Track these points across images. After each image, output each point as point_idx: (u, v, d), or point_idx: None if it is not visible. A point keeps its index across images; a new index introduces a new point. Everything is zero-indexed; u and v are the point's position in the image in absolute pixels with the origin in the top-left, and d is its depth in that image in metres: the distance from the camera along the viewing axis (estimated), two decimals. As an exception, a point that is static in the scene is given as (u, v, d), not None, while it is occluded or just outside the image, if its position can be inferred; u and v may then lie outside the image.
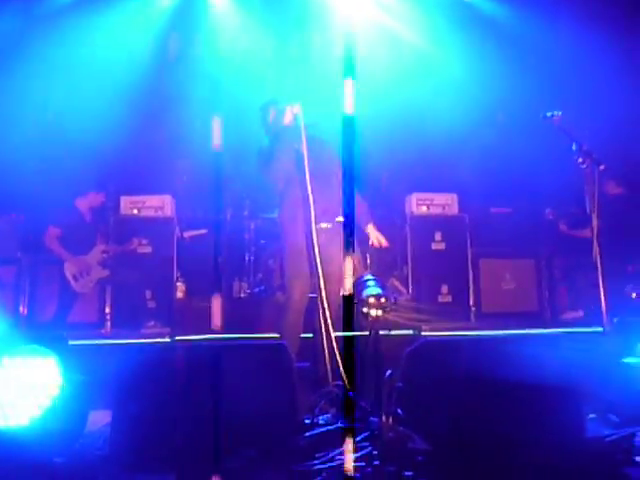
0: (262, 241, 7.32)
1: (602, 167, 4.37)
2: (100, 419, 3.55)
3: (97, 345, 3.89)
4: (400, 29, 6.70)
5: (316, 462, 3.18)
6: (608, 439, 3.39)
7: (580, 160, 4.41)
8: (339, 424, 3.39)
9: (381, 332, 3.56)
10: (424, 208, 6.81)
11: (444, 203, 6.78)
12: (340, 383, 3.79)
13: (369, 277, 3.59)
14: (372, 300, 3.38)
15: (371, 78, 5.76)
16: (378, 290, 3.44)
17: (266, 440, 3.23)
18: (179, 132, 6.81)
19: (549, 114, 4.58)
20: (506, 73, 6.30)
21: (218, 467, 3.06)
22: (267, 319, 6.01)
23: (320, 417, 3.63)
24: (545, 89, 6.02)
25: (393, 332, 3.88)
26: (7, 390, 3.07)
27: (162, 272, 6.54)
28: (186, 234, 6.97)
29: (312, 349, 4.26)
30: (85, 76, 6.50)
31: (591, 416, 3.75)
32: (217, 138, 5.26)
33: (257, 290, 7.26)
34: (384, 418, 3.27)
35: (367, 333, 3.58)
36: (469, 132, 6.46)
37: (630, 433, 3.44)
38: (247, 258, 7.32)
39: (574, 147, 4.49)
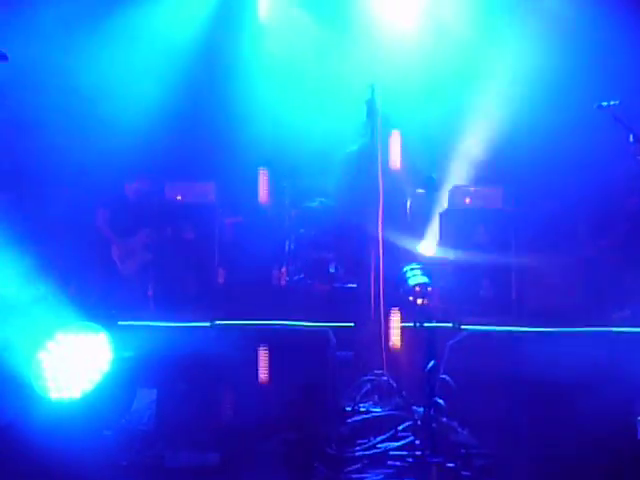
0: (301, 230, 7.35)
1: None
2: (147, 397, 3.62)
3: (144, 326, 3.98)
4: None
5: (357, 449, 3.19)
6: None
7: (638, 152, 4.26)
8: (379, 412, 3.39)
9: (426, 324, 3.53)
10: (467, 200, 6.71)
11: (487, 195, 6.67)
12: (382, 372, 3.78)
13: (415, 265, 3.57)
14: (418, 289, 3.36)
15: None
16: (425, 279, 3.41)
17: (306, 424, 3.24)
18: (224, 122, 6.87)
19: (605, 103, 4.43)
20: (558, 63, 6.13)
21: (258, 448, 3.08)
22: (305, 307, 6.04)
23: (361, 405, 3.63)
24: (601, 79, 5.83)
25: (435, 324, 3.85)
26: (60, 364, 3.16)
27: (204, 257, 6.62)
28: (227, 220, 7.04)
29: (356, 338, 4.27)
30: (141, 60, 6.59)
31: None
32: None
33: (296, 279, 7.29)
34: (427, 409, 3.25)
35: (411, 324, 3.56)
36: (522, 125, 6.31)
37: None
38: (287, 246, 7.36)
39: (631, 138, 4.33)
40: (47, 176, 6.25)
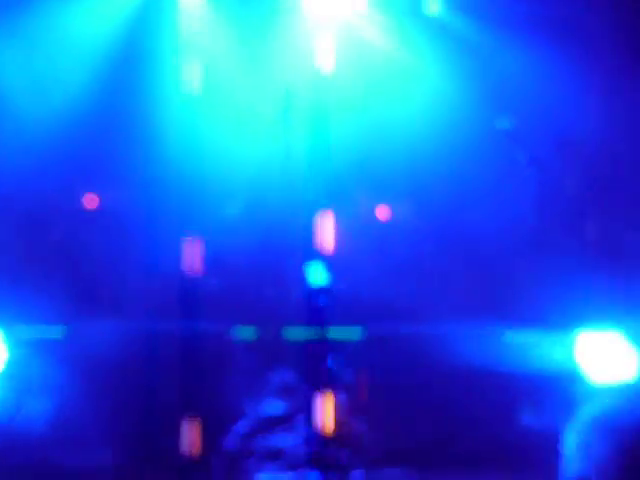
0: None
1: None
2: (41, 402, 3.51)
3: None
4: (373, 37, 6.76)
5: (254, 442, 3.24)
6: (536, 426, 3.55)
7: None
8: (276, 411, 3.45)
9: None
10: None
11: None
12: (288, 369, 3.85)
13: (315, 263, 3.66)
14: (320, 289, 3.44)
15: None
16: (325, 277, 3.50)
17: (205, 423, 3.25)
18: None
19: (501, 126, 4.71)
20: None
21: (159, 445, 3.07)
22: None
23: (264, 404, 3.68)
24: (498, 101, 6.18)
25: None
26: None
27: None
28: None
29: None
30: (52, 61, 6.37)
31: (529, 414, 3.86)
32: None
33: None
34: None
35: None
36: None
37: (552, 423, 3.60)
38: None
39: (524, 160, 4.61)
40: None
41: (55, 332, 3.73)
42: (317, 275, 3.65)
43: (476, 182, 6.12)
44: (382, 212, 6.13)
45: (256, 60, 6.93)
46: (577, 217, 5.90)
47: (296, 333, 4.23)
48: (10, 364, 3.26)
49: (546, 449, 3.32)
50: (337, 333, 4.00)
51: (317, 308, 3.76)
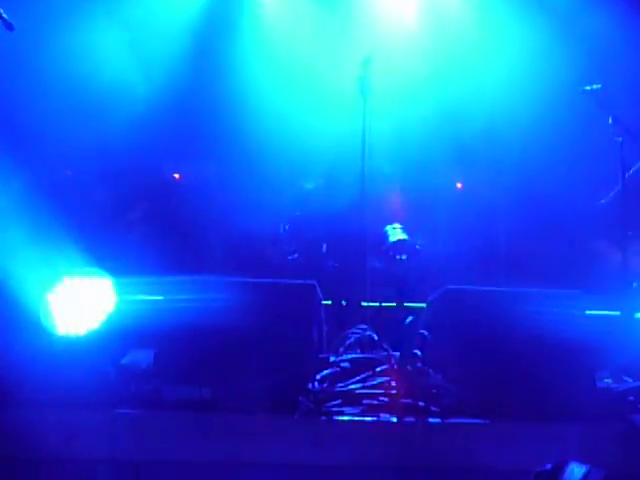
0: (297, 212, 7.61)
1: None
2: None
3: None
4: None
5: (335, 388, 3.47)
6: (617, 390, 3.61)
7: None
8: (358, 356, 3.67)
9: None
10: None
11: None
12: (365, 326, 4.07)
13: (397, 225, 3.85)
14: (399, 245, 3.63)
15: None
16: (405, 235, 3.69)
17: (289, 368, 3.49)
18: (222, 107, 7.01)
19: (588, 88, 4.65)
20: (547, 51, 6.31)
21: (247, 387, 3.35)
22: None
23: (344, 356, 3.91)
24: (586, 66, 6.03)
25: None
26: (68, 305, 3.44)
27: (199, 234, 6.91)
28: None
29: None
30: (139, 46, 6.75)
31: (607, 380, 3.93)
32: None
33: (290, 258, 7.56)
34: (403, 356, 3.54)
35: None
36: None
37: (638, 386, 3.64)
38: (282, 227, 7.63)
39: (610, 120, 4.52)
40: (50, 153, 6.47)
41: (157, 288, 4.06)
42: (396, 234, 3.82)
43: (559, 149, 6.05)
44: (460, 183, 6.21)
45: (332, 34, 7.08)
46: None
47: (375, 299, 4.41)
48: (117, 312, 3.61)
49: (621, 409, 3.40)
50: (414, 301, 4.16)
51: (396, 272, 3.93)
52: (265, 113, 6.69)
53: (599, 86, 4.67)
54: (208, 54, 6.88)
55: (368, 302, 4.49)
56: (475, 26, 6.52)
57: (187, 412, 3.34)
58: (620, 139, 4.53)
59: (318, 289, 3.85)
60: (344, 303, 5.15)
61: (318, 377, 3.57)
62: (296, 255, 7.47)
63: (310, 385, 3.52)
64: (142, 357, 3.67)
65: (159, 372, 3.50)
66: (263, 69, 6.72)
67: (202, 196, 7.03)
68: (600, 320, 3.85)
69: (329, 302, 4.91)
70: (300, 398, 3.37)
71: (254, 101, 6.65)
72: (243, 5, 6.98)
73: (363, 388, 3.52)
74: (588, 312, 3.83)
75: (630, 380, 3.92)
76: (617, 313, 3.93)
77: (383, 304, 4.23)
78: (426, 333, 3.70)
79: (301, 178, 7.18)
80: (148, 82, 6.58)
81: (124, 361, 3.62)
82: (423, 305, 4.03)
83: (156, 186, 7.00)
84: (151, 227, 6.71)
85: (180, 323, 3.64)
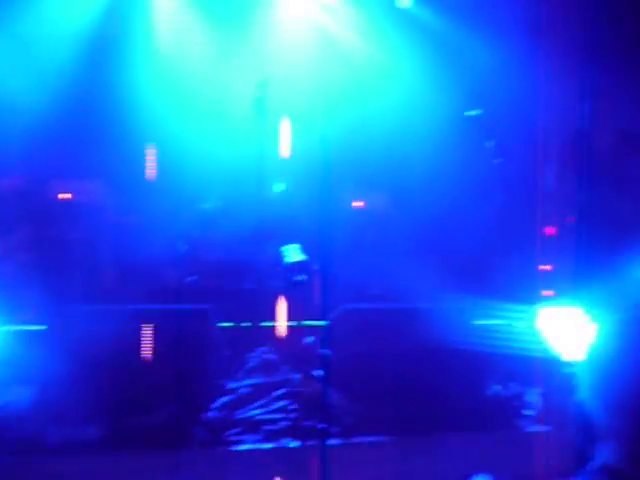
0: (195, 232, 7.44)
1: None
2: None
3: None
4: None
5: (234, 415, 3.37)
6: (502, 396, 3.75)
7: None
8: (257, 381, 3.58)
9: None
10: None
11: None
12: (266, 348, 3.98)
13: (293, 245, 3.81)
14: (297, 265, 3.60)
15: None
16: (303, 256, 3.66)
17: (183, 398, 3.37)
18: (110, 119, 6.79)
19: (471, 113, 4.92)
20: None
21: (142, 420, 3.19)
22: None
23: (243, 381, 3.81)
24: (469, 94, 6.37)
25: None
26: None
27: (90, 258, 6.56)
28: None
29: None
30: (25, 51, 6.39)
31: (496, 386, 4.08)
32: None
33: (189, 280, 7.35)
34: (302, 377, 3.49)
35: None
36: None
37: (519, 393, 3.81)
38: (181, 248, 7.42)
39: (488, 144, 4.83)
40: None
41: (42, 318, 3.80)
42: (294, 255, 3.79)
43: (447, 169, 6.34)
44: (359, 202, 6.32)
45: (228, 57, 7.05)
46: (542, 201, 6.14)
47: (273, 321, 4.36)
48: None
49: (508, 415, 3.54)
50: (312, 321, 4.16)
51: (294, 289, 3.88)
52: (160, 133, 6.51)
53: (480, 111, 4.96)
54: (100, 73, 6.61)
55: (269, 322, 4.43)
56: (373, 54, 6.73)
57: (74, 455, 3.10)
58: (499, 160, 4.81)
59: (213, 313, 3.74)
60: (245, 325, 5.05)
61: (216, 405, 3.43)
62: (195, 277, 7.28)
63: (207, 414, 3.38)
64: (22, 395, 3.39)
65: (42, 412, 3.23)
66: (158, 89, 6.55)
67: (94, 217, 6.70)
68: (487, 329, 4.01)
69: (230, 324, 4.81)
70: (195, 429, 3.23)
71: (147, 120, 6.45)
72: (136, 29, 6.81)
73: (263, 414, 3.43)
74: (475, 322, 3.97)
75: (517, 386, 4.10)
76: (503, 322, 4.10)
77: (283, 323, 4.18)
78: (329, 352, 3.68)
79: (199, 199, 7.03)
80: (31, 97, 6.22)
81: (1, 401, 3.31)
82: (323, 323, 4.01)
83: (42, 207, 6.60)
84: (35, 252, 6.30)
85: (65, 356, 3.41)
